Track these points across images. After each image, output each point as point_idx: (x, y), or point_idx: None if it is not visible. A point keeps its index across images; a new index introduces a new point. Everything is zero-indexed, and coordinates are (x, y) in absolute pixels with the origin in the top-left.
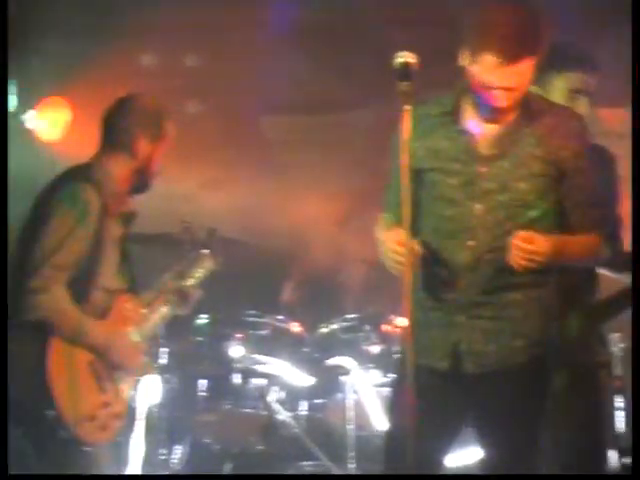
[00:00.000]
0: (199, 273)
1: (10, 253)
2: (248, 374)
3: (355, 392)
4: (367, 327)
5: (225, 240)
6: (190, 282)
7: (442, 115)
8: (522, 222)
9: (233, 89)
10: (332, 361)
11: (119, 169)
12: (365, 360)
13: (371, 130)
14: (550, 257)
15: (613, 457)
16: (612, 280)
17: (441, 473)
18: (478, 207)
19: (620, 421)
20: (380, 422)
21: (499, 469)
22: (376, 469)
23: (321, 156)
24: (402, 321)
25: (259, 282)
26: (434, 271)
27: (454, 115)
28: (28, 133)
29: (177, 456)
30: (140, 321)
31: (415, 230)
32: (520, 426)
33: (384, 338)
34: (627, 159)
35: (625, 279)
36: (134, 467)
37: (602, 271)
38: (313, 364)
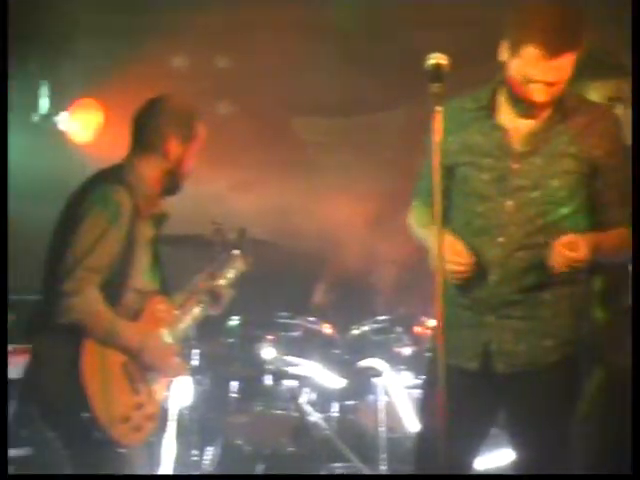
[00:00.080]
0: (230, 274)
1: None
2: (279, 376)
3: (386, 394)
4: (398, 329)
5: (256, 241)
6: (221, 283)
7: (477, 110)
8: (553, 219)
9: (264, 90)
10: (363, 363)
11: (150, 170)
12: (396, 362)
13: (402, 131)
14: (590, 259)
15: None
16: None
17: (471, 474)
18: (509, 203)
19: None
20: (411, 424)
21: (530, 469)
22: (407, 470)
23: (352, 157)
24: (433, 322)
25: (290, 284)
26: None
27: (489, 110)
28: (60, 135)
29: (209, 457)
30: (172, 322)
31: (445, 225)
32: (551, 426)
33: (416, 340)
34: None
35: None
36: (166, 468)
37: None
38: (344, 366)
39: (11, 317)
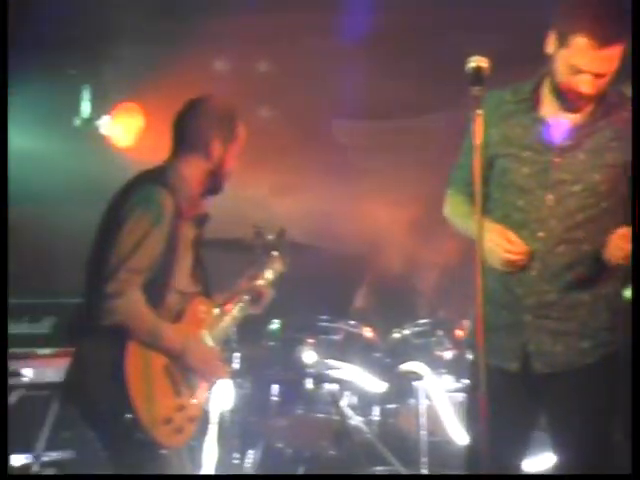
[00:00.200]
0: (269, 274)
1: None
2: (320, 379)
3: (427, 397)
4: (440, 332)
5: (297, 245)
6: (261, 283)
7: (520, 102)
8: (594, 213)
9: (305, 93)
10: (404, 366)
11: (193, 171)
12: (438, 365)
13: (443, 134)
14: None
15: None
16: None
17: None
18: (550, 197)
19: None
20: (452, 428)
21: (571, 471)
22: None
23: (393, 160)
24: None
25: (331, 287)
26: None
27: (532, 103)
28: (102, 139)
29: (250, 460)
30: (214, 323)
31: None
32: (591, 428)
33: (457, 343)
34: None
35: None
36: (208, 470)
37: None
38: (385, 369)
39: (53, 320)
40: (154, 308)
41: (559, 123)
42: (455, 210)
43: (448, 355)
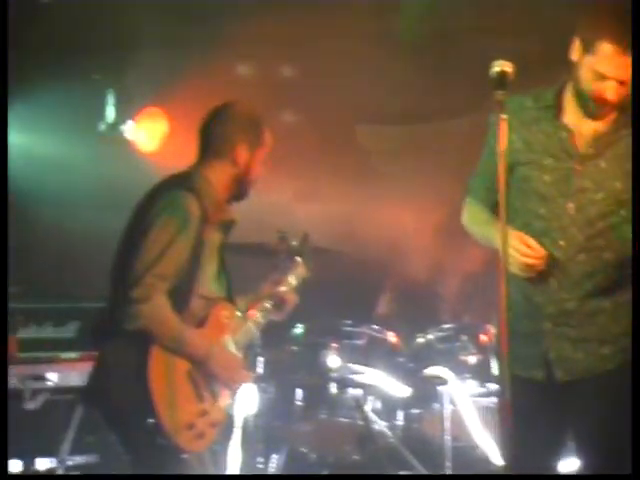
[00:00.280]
0: (292, 279)
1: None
2: (344, 384)
3: (452, 402)
4: (464, 337)
5: (321, 249)
6: (284, 289)
7: (542, 109)
8: (615, 221)
9: (329, 98)
10: (429, 371)
11: (219, 176)
12: (462, 370)
13: (467, 139)
14: None
15: None
16: None
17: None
18: (570, 205)
19: None
20: (477, 433)
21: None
22: None
23: (417, 165)
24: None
25: (355, 291)
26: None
27: (554, 110)
28: (126, 144)
29: (274, 465)
30: (237, 329)
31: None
32: (614, 432)
33: (481, 348)
34: None
35: None
36: None
37: None
38: (409, 374)
39: (77, 324)
40: (178, 313)
41: (581, 130)
42: (474, 218)
43: (472, 360)
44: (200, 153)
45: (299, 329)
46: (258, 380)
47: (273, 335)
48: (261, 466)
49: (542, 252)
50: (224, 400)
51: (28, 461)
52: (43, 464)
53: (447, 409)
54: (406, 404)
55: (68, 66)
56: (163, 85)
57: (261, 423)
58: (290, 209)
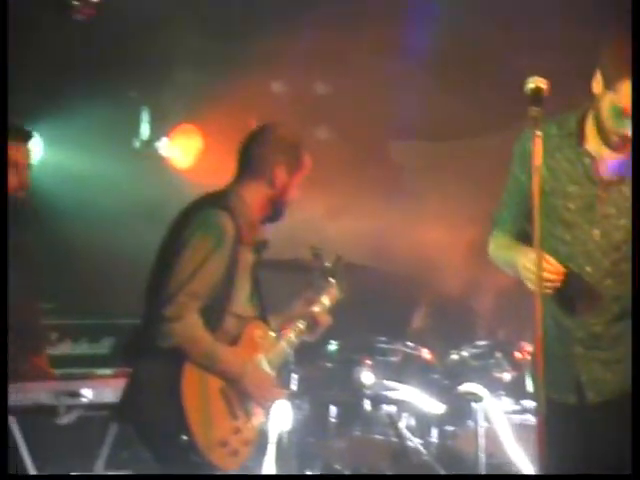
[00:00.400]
0: (325, 300)
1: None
2: (378, 400)
3: (486, 419)
4: (498, 354)
5: (354, 266)
6: (317, 309)
7: (565, 136)
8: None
9: (362, 115)
10: (463, 388)
11: (255, 197)
12: (496, 387)
13: (500, 156)
14: None
15: None
16: None
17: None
18: (596, 232)
19: None
20: (511, 450)
21: None
22: None
23: (450, 182)
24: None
25: (389, 308)
26: (556, 298)
27: (577, 137)
28: (161, 161)
29: None
30: (270, 348)
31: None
32: None
33: (516, 365)
34: None
35: None
36: None
37: None
38: (443, 391)
39: (112, 340)
40: (212, 332)
41: (604, 157)
42: (498, 246)
43: (507, 377)
44: (238, 172)
45: (333, 346)
46: (292, 397)
47: (307, 352)
48: None
49: (560, 268)
50: (257, 418)
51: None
52: None
53: (481, 426)
54: (440, 421)
55: (103, 83)
56: (197, 102)
57: (295, 440)
58: (323, 226)
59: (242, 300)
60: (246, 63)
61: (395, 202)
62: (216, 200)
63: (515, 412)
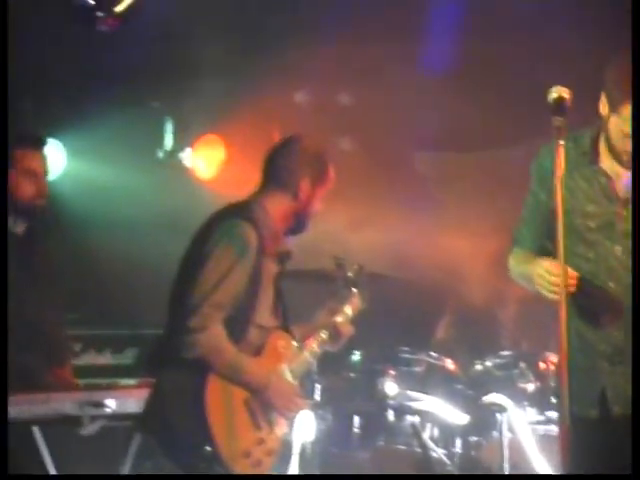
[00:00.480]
0: (348, 310)
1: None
2: (402, 411)
3: (510, 430)
4: (522, 364)
5: (378, 276)
6: (339, 319)
7: (580, 155)
8: None
9: (385, 125)
10: (487, 398)
11: (278, 208)
12: (520, 398)
13: (524, 166)
14: None
15: None
16: None
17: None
18: (617, 248)
19: None
20: (536, 461)
21: None
22: None
23: (474, 192)
24: (556, 358)
25: (412, 318)
26: (579, 311)
27: (592, 156)
28: (185, 171)
29: None
30: (293, 358)
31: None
32: None
33: (540, 375)
34: None
35: None
36: None
37: None
38: (467, 401)
39: (136, 351)
40: (236, 342)
41: (619, 176)
42: (517, 260)
43: (531, 387)
44: (262, 183)
45: (356, 356)
46: (315, 407)
47: (330, 362)
48: None
49: (572, 273)
50: (281, 428)
51: None
52: None
53: (505, 437)
54: (464, 431)
55: (127, 94)
56: (221, 113)
57: (318, 450)
58: (346, 236)
59: (265, 311)
60: (270, 74)
61: (418, 212)
62: (239, 211)
63: (539, 423)
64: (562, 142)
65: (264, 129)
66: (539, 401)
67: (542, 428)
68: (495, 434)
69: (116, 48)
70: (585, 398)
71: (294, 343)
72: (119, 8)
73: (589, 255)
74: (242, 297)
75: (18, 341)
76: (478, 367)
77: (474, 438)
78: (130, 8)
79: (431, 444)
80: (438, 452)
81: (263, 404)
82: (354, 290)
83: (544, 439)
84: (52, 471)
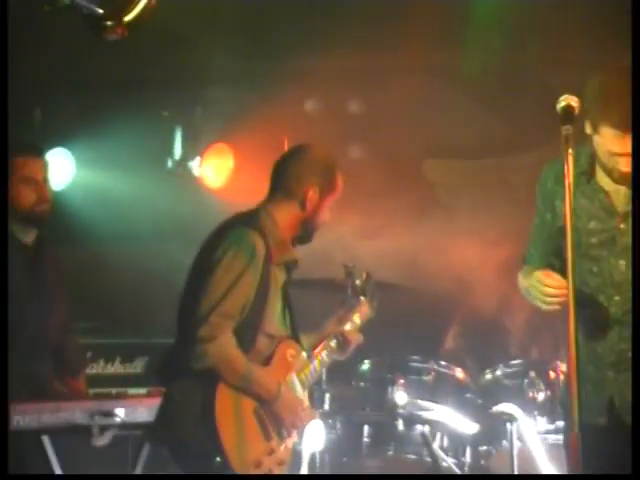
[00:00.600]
0: (357, 318)
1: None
2: (411, 420)
3: (520, 439)
4: (532, 373)
5: (387, 285)
6: (348, 327)
7: (578, 175)
8: None
9: (395, 133)
10: (497, 407)
11: (285, 217)
12: (530, 407)
13: (534, 174)
14: None
15: None
16: None
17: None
18: (622, 262)
19: None
20: (546, 470)
21: None
22: None
23: (484, 200)
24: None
25: (422, 327)
26: (586, 324)
27: (589, 175)
28: (194, 180)
29: None
30: (302, 367)
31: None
32: None
33: (550, 384)
34: None
35: None
36: None
37: None
38: (477, 410)
39: (145, 360)
40: (245, 351)
41: (617, 191)
42: (523, 277)
43: (541, 397)
44: (270, 191)
45: (366, 365)
46: (325, 416)
47: (340, 371)
48: None
49: (563, 282)
50: (291, 438)
51: None
52: None
53: (515, 446)
54: (474, 441)
55: (136, 102)
56: (230, 121)
57: (328, 459)
58: (355, 245)
59: (274, 319)
60: (279, 82)
61: (428, 220)
62: (247, 219)
63: (549, 432)
64: (571, 150)
65: (274, 138)
66: (549, 410)
67: (552, 437)
68: (505, 443)
69: (125, 57)
70: (593, 407)
71: (303, 352)
72: (128, 17)
73: (594, 270)
74: (251, 305)
75: (27, 350)
76: (488, 376)
77: (484, 447)
78: (139, 17)
79: (441, 453)
80: (448, 461)
81: (272, 414)
82: (362, 298)
83: (554, 448)
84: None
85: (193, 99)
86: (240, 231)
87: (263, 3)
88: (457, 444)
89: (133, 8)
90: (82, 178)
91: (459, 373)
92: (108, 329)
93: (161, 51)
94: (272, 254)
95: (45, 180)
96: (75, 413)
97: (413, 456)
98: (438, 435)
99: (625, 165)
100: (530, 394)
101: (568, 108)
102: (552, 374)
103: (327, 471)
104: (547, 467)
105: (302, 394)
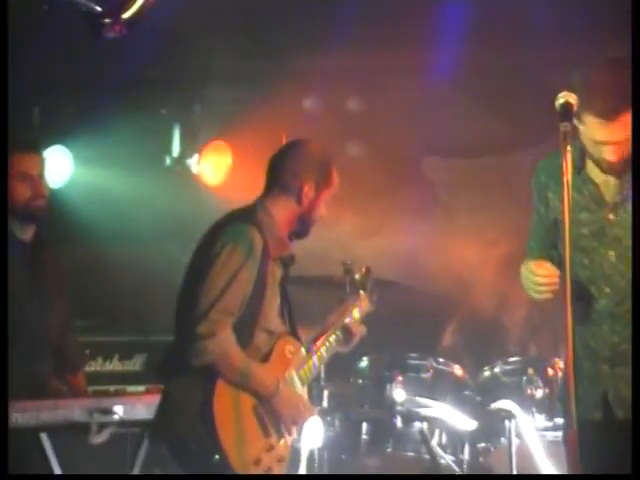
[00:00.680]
0: (356, 313)
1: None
2: (410, 417)
3: (518, 436)
4: (530, 370)
5: (385, 283)
6: (348, 321)
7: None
8: None
9: (394, 132)
10: (495, 405)
11: (282, 212)
12: (529, 404)
13: (532, 172)
14: None
15: None
16: None
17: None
18: (611, 254)
19: None
20: (544, 467)
21: None
22: None
23: (483, 198)
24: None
25: (420, 324)
26: (579, 317)
27: (579, 168)
28: (192, 177)
29: None
30: (301, 363)
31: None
32: None
33: (548, 381)
34: None
35: None
36: None
37: None
38: (475, 407)
39: (144, 357)
40: (243, 348)
41: (606, 182)
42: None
43: (539, 394)
44: (266, 186)
45: (364, 362)
46: (323, 413)
47: (338, 368)
48: None
49: (555, 271)
50: (290, 435)
51: None
52: None
53: (514, 443)
54: (472, 438)
55: (134, 100)
56: (228, 119)
57: (326, 457)
58: (354, 243)
59: (272, 315)
60: (277, 80)
61: (427, 218)
62: (244, 214)
63: (547, 429)
64: (569, 148)
65: (272, 135)
66: (547, 407)
67: (550, 434)
68: (503, 440)
69: (123, 55)
70: (589, 402)
71: (302, 348)
72: (126, 15)
73: (585, 262)
74: (249, 301)
75: (27, 349)
76: (486, 373)
77: (482, 444)
78: (137, 15)
79: (439, 451)
80: (446, 458)
81: (271, 411)
82: (362, 292)
83: (552, 445)
84: None
85: (191, 97)
86: (237, 226)
87: (263, 3)
88: (455, 441)
89: (131, 5)
90: (81, 176)
91: (457, 370)
92: (106, 327)
93: (159, 49)
94: (269, 249)
95: (40, 176)
96: (74, 411)
97: (412, 453)
98: (436, 432)
99: (610, 154)
100: (528, 391)
101: (566, 105)
102: (550, 371)
103: (325, 469)
104: (545, 464)
105: (301, 390)
